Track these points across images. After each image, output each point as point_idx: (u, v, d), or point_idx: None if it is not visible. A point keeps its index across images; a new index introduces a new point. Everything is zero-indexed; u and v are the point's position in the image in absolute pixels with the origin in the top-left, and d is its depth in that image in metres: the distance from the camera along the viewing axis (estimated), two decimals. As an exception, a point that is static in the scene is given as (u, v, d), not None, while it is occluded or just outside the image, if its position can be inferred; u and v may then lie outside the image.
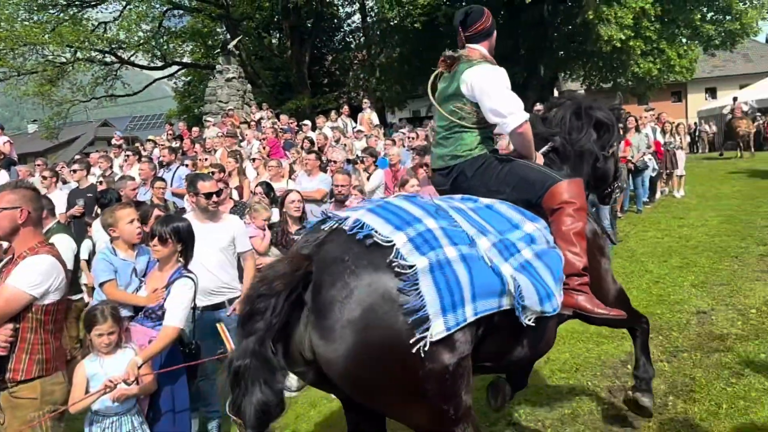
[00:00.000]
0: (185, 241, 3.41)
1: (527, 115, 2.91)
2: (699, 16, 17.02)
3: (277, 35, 27.93)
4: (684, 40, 17.96)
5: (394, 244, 2.15)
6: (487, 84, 2.84)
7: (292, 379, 2.34)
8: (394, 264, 2.11)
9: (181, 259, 3.44)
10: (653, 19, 15.97)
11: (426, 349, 2.07)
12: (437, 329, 2.08)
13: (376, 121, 14.11)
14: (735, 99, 19.30)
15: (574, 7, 17.55)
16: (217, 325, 4.22)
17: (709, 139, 24.03)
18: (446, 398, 2.20)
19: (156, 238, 3.34)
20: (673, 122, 12.85)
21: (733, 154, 17.58)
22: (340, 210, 2.63)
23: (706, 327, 4.97)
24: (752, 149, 17.49)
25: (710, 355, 4.42)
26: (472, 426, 2.31)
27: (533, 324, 2.41)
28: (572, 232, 2.73)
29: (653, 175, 11.02)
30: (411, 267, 2.11)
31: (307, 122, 13.63)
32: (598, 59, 18.45)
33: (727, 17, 17.27)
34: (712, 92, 31.39)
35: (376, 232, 2.19)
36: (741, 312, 5.18)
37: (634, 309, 3.47)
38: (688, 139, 18.95)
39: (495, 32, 3.08)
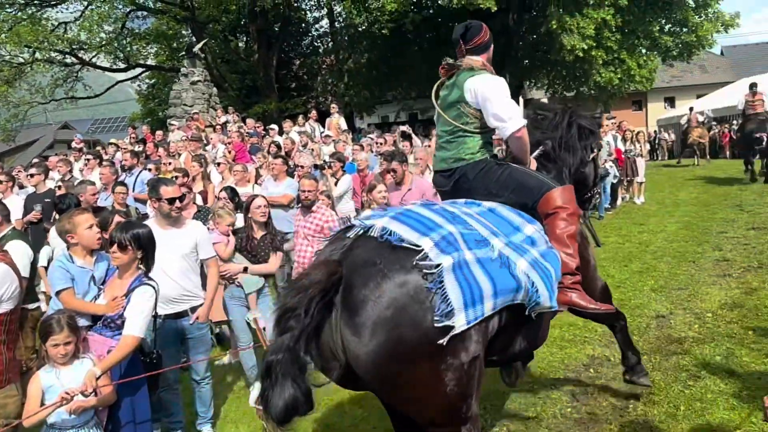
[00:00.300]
0: (145, 247, 3.33)
1: (525, 121, 3.15)
2: (657, 27, 17.56)
3: (244, 39, 27.68)
4: (643, 51, 18.50)
5: (422, 249, 2.36)
6: (489, 91, 3.07)
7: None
8: (421, 265, 2.32)
9: (141, 266, 3.36)
10: (614, 30, 16.41)
11: (449, 343, 2.29)
12: (460, 322, 2.29)
13: (344, 126, 14.09)
14: (691, 109, 19.95)
15: (538, 17, 17.92)
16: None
17: (668, 147, 24.79)
18: (461, 396, 2.40)
19: (115, 245, 3.26)
20: (634, 130, 13.20)
21: (691, 162, 18.16)
22: (360, 218, 2.79)
23: (665, 330, 5.11)
24: (707, 157, 18.08)
25: (669, 358, 4.54)
26: (476, 430, 2.51)
27: (535, 319, 2.65)
28: (566, 235, 2.97)
29: (614, 182, 11.30)
30: (437, 266, 2.32)
31: (274, 126, 13.53)
32: (561, 68, 18.87)
33: (684, 29, 17.87)
34: (670, 101, 32.41)
35: (403, 237, 2.40)
36: (698, 316, 5.33)
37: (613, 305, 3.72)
38: (647, 146, 19.48)
39: (492, 45, 3.32)
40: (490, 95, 3.06)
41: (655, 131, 26.53)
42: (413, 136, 11.49)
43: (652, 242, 8.33)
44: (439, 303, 2.28)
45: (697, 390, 4.00)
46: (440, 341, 2.26)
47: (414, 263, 2.33)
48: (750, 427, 3.50)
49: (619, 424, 3.73)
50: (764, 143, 11.55)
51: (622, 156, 11.72)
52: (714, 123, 21.45)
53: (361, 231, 2.49)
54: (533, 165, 3.39)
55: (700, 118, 18.93)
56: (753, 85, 12.32)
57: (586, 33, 15.50)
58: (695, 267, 6.88)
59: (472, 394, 2.44)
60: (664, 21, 17.94)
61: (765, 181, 12.05)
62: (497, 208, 2.89)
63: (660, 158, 24.24)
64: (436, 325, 2.26)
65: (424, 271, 2.31)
